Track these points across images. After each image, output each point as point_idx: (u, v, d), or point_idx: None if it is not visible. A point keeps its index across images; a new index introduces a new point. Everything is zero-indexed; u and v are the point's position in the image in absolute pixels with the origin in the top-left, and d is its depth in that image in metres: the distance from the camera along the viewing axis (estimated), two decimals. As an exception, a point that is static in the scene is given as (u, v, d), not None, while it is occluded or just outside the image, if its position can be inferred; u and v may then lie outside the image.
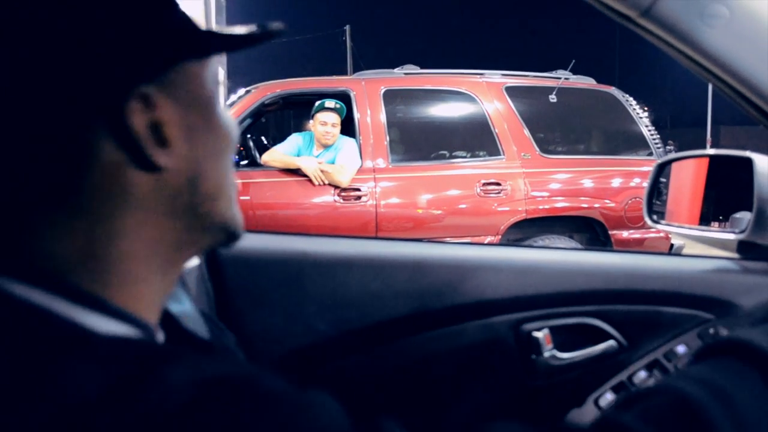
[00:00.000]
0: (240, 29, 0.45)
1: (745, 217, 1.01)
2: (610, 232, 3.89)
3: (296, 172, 3.55)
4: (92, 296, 0.40)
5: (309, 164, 3.52)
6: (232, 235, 0.50)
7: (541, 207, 3.81)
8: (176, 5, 0.43)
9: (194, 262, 0.96)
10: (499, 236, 3.74)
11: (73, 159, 0.39)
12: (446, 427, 1.05)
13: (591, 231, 3.96)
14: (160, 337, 0.48)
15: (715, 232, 1.14)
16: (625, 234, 3.90)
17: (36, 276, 0.38)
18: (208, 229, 0.47)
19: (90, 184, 0.40)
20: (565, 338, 1.06)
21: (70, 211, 0.40)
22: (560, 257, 1.11)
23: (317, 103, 3.66)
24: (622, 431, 0.40)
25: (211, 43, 0.44)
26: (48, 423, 0.31)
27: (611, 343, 1.06)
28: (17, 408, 0.32)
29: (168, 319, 0.52)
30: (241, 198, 3.45)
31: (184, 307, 0.57)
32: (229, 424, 0.32)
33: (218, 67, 0.48)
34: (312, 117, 3.71)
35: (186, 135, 0.44)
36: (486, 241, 3.69)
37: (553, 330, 1.05)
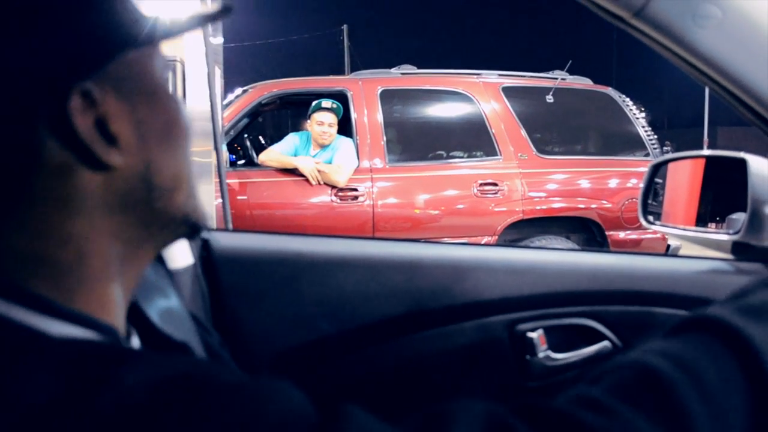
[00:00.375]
0: (183, 12, 0.44)
1: (740, 218, 1.01)
2: (607, 233, 3.89)
3: (293, 171, 3.55)
4: (50, 302, 0.39)
5: (306, 164, 3.52)
6: (194, 228, 0.49)
7: (538, 207, 3.81)
8: None
9: (188, 261, 0.96)
10: (496, 237, 3.74)
11: (19, 165, 0.38)
12: None
13: (588, 232, 3.97)
14: (133, 338, 0.47)
15: (709, 233, 1.14)
16: (621, 235, 3.91)
17: None
18: (168, 223, 0.46)
19: (39, 189, 0.39)
20: (559, 339, 1.06)
21: (22, 217, 0.39)
22: (555, 258, 1.11)
23: (314, 102, 3.66)
24: (590, 404, 0.40)
25: (150, 31, 0.42)
26: None
27: (605, 343, 1.06)
28: None
29: (143, 321, 0.51)
30: (239, 198, 3.45)
31: (170, 303, 0.56)
32: (188, 421, 0.32)
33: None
34: (309, 117, 3.70)
35: (135, 128, 0.42)
36: (483, 242, 3.70)
37: (548, 330, 1.05)
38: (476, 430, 0.36)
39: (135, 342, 0.48)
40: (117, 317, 0.44)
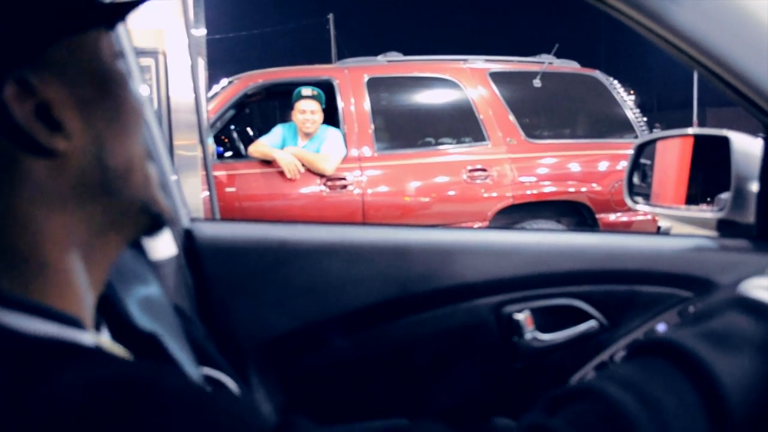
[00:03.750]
0: None
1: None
2: (597, 216, 3.90)
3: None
4: (5, 292, 0.38)
5: (283, 156, 3.49)
6: (156, 219, 0.48)
7: (527, 192, 3.81)
8: None
9: (172, 252, 0.95)
10: (487, 222, 3.74)
11: None
12: (429, 411, 1.06)
13: (578, 215, 3.97)
14: (103, 329, 0.47)
15: (694, 211, 1.14)
16: (612, 217, 3.92)
17: None
18: (127, 209, 0.45)
19: None
20: (546, 320, 1.06)
21: None
22: (540, 239, 1.11)
23: (294, 92, 3.63)
24: None
25: (88, 14, 0.42)
26: None
27: (592, 323, 1.06)
28: None
29: (114, 312, 0.51)
30: (227, 190, 3.43)
31: (150, 293, 0.55)
32: (123, 425, 0.31)
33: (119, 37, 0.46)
34: (292, 107, 3.67)
35: (82, 112, 0.42)
36: (474, 228, 3.70)
37: (534, 312, 1.05)
38: None
39: (105, 334, 0.47)
40: (81, 308, 0.43)
